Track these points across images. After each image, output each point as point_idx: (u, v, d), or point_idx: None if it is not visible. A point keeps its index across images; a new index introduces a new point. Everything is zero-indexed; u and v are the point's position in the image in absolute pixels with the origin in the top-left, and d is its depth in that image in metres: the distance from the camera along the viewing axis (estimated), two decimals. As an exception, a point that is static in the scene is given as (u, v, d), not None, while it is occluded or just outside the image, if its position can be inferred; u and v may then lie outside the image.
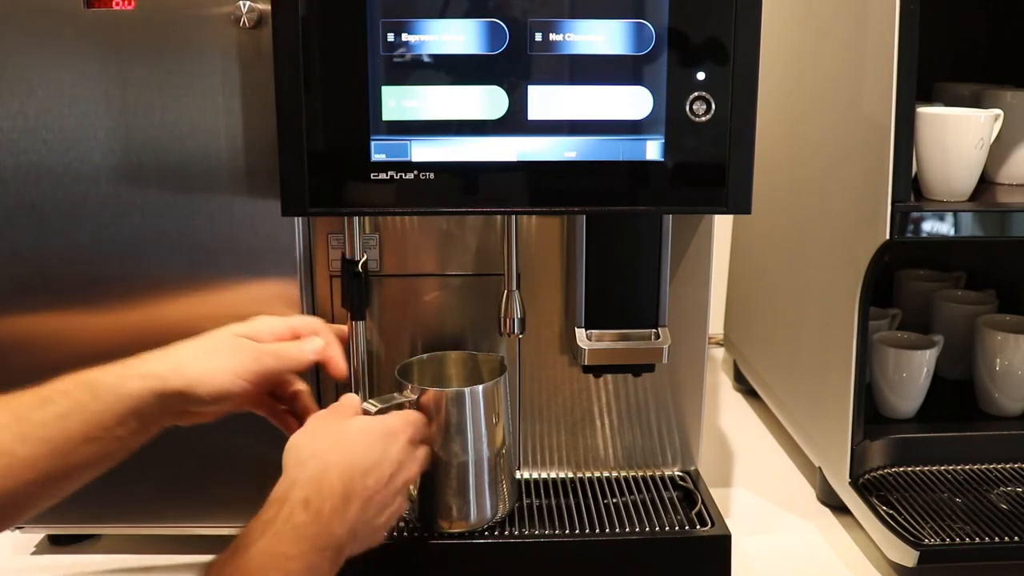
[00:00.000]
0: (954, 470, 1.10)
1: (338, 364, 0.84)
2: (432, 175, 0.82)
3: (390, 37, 0.80)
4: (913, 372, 1.15)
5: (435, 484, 0.91)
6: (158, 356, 0.75)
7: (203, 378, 0.74)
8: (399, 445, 0.78)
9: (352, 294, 0.93)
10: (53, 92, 0.87)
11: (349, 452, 0.74)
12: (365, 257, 0.94)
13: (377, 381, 1.04)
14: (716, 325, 1.48)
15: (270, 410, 0.85)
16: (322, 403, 0.86)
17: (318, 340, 0.83)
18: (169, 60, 0.86)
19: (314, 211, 0.82)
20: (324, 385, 1.02)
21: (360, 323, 0.95)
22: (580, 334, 0.97)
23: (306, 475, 0.71)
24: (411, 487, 0.79)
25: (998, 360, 1.17)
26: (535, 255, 1.01)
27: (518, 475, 1.06)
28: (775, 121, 1.23)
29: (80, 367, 0.74)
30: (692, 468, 1.07)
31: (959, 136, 0.96)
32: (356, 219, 0.93)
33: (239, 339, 0.79)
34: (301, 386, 0.84)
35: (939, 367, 1.18)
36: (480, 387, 0.90)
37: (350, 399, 0.82)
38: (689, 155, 0.82)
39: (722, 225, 1.30)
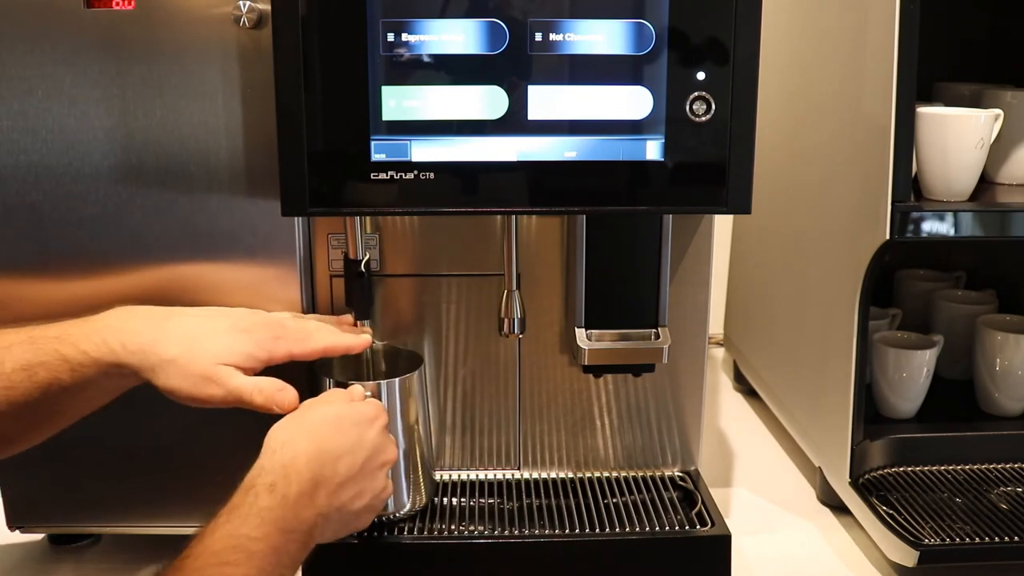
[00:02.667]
0: (954, 470, 1.10)
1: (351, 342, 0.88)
2: (432, 175, 0.82)
3: (390, 37, 0.80)
4: (913, 372, 1.15)
5: None
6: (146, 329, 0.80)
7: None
8: (375, 431, 0.80)
9: (356, 294, 0.94)
10: (53, 92, 0.87)
11: (321, 439, 0.75)
12: (367, 257, 0.95)
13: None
14: (716, 325, 1.48)
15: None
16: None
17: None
18: (169, 60, 0.86)
19: (314, 211, 0.82)
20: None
21: (366, 322, 0.96)
22: (580, 334, 0.97)
23: (275, 462, 0.73)
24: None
25: (998, 360, 1.17)
26: (535, 255, 1.01)
27: (519, 475, 1.06)
28: (775, 121, 1.23)
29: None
30: (692, 468, 1.07)
31: (959, 136, 0.96)
32: (357, 219, 0.93)
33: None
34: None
35: (939, 367, 1.18)
36: (415, 374, 0.93)
37: (336, 389, 0.85)
38: (689, 155, 0.82)
39: (722, 225, 1.30)
